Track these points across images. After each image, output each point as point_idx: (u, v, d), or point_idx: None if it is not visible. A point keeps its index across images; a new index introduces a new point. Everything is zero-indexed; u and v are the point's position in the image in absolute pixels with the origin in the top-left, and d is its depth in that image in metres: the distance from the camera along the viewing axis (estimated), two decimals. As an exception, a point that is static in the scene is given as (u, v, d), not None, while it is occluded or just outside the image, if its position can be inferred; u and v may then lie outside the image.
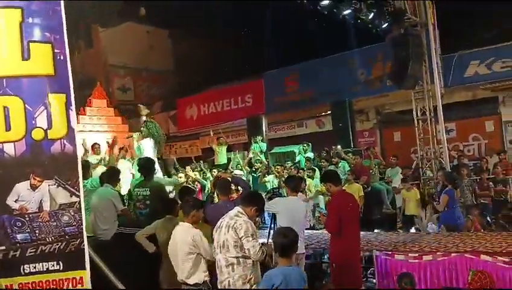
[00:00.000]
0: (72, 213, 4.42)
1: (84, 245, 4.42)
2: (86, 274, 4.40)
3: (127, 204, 7.51)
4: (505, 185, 10.82)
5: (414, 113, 12.50)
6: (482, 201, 10.44)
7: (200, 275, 4.76)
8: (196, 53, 18.91)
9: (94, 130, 15.06)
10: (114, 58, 22.55)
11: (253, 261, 4.50)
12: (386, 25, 10.93)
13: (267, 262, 4.73)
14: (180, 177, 10.68)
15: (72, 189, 4.42)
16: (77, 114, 15.19)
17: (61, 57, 4.40)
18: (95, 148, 11.09)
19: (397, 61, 11.42)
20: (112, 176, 6.78)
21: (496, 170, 11.15)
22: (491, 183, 10.80)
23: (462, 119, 14.51)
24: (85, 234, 4.48)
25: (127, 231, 6.31)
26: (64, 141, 4.39)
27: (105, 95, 16.29)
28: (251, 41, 17.78)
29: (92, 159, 9.96)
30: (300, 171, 10.94)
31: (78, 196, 4.43)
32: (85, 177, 6.99)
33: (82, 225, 4.43)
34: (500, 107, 14.07)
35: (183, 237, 4.76)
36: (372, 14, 10.33)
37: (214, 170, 11.57)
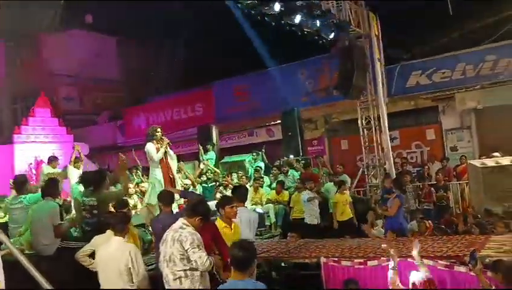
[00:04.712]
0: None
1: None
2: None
3: (72, 214, 7.24)
4: (446, 191, 11.35)
5: (359, 122, 12.89)
6: (425, 207, 10.88)
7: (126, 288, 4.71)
8: (145, 62, 18.65)
9: (38, 141, 14.51)
10: (59, 66, 21.78)
11: (201, 273, 4.45)
12: (331, 36, 11.20)
13: (216, 274, 4.70)
14: (129, 188, 10.42)
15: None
16: (20, 124, 14.76)
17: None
18: (51, 160, 10.58)
19: (342, 71, 11.75)
20: (51, 188, 6.39)
21: (438, 177, 11.67)
22: (433, 189, 11.28)
23: (405, 127, 15.05)
24: None
25: (71, 245, 6.10)
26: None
27: (49, 105, 15.74)
28: (201, 51, 17.75)
29: (48, 171, 9.57)
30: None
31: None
32: (21, 192, 6.71)
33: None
34: (440, 116, 14.72)
35: (118, 253, 4.69)
36: (317, 25, 10.55)
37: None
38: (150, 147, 7.46)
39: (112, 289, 4.68)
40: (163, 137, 7.63)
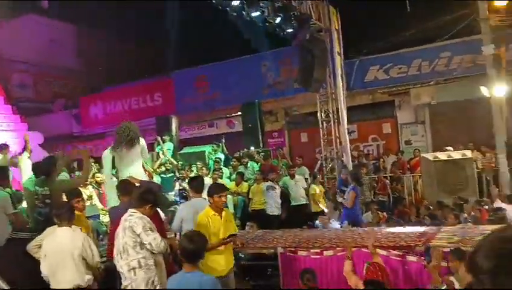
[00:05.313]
0: None
1: None
2: None
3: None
4: (401, 184, 11.68)
5: (319, 115, 13.05)
6: (380, 198, 11.16)
7: (83, 277, 4.63)
8: (102, 49, 18.14)
9: (-11, 129, 13.91)
10: (12, 52, 20.88)
11: (155, 263, 4.41)
12: (292, 29, 11.25)
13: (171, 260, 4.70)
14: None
15: None
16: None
17: None
18: (1, 148, 10.11)
19: (303, 65, 11.84)
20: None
21: (393, 169, 12.00)
22: (387, 181, 11.59)
23: (363, 121, 15.38)
24: None
25: (22, 236, 5.89)
26: None
27: (2, 92, 15.12)
28: (161, 40, 17.45)
29: None
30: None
31: None
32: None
33: None
34: (396, 110, 15.11)
35: (70, 242, 4.61)
36: (279, 18, 10.57)
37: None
38: (144, 142, 7.39)
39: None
40: None
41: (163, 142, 12.51)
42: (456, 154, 10.31)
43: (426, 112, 14.51)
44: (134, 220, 4.39)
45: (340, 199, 8.89)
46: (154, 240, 4.34)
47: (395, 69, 14.07)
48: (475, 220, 7.72)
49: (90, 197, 8.46)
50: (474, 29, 11.31)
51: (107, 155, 7.03)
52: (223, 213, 5.29)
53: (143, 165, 10.34)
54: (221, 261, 5.13)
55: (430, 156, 10.87)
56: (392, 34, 14.02)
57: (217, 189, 5.33)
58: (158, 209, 5.38)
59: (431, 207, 9.21)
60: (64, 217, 4.82)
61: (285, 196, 10.60)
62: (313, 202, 10.50)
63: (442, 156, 10.43)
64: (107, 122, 18.44)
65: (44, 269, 4.75)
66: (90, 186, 8.93)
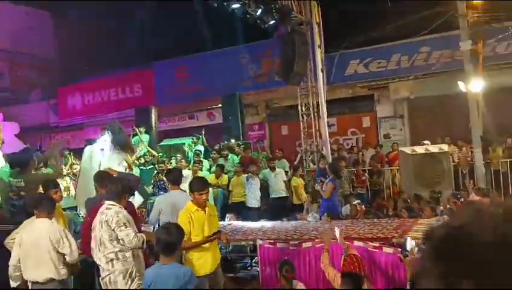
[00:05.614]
0: None
1: None
2: None
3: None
4: (380, 176, 11.83)
5: (299, 108, 13.09)
6: (358, 191, 11.28)
7: (62, 271, 4.58)
8: (81, 38, 17.80)
9: (-39, 119, 13.54)
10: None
11: (133, 254, 4.39)
12: (273, 21, 11.23)
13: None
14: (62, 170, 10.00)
15: None
16: None
17: None
18: None
19: (284, 57, 11.84)
20: None
21: (371, 163, 12.13)
22: (366, 174, 11.71)
23: (342, 115, 15.49)
24: None
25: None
26: None
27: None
28: (142, 30, 17.22)
29: None
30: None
31: None
32: None
33: None
34: (375, 104, 15.25)
35: (47, 234, 4.56)
36: (260, 10, 10.54)
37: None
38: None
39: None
40: None
41: (136, 134, 12.35)
42: (433, 148, 10.46)
43: (405, 106, 14.68)
44: (111, 214, 4.36)
45: (318, 188, 8.94)
46: (126, 236, 4.30)
47: (375, 63, 14.14)
48: (451, 212, 7.86)
49: (67, 189, 8.36)
50: (452, 25, 11.45)
51: (96, 151, 6.98)
52: (206, 208, 5.06)
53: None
54: (208, 259, 4.97)
55: (408, 149, 11.02)
56: (372, 29, 14.10)
57: (198, 186, 5.02)
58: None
59: (408, 200, 9.34)
60: (44, 208, 4.73)
61: (264, 188, 10.64)
62: (294, 194, 10.56)
63: (419, 149, 10.57)
64: (86, 113, 18.19)
65: (14, 260, 4.66)
66: (67, 178, 8.82)
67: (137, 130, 12.29)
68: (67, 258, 4.62)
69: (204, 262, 4.91)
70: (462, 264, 0.70)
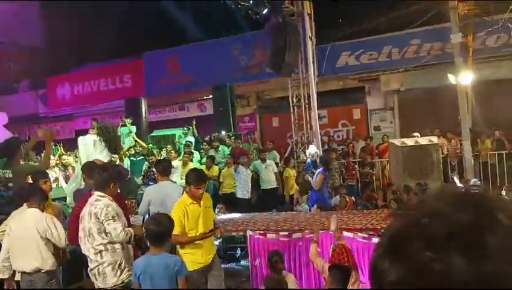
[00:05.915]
0: None
1: None
2: None
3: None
4: (371, 168, 11.89)
5: (290, 100, 13.08)
6: (348, 183, 11.33)
7: (50, 262, 4.57)
8: (71, 28, 17.61)
9: (-51, 110, 13.38)
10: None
11: (122, 245, 4.39)
12: (264, 12, 11.17)
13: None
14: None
15: None
16: None
17: None
18: None
19: (275, 48, 11.79)
20: None
21: (362, 154, 12.18)
22: (356, 166, 11.77)
23: (333, 106, 15.48)
24: None
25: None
26: None
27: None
28: (132, 20, 17.06)
29: None
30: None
31: None
32: None
33: None
34: (366, 96, 15.28)
35: (35, 223, 4.53)
36: (251, 0, 10.49)
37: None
38: None
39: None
40: None
41: (123, 125, 12.24)
42: (423, 140, 10.52)
43: (395, 99, 14.72)
44: (100, 206, 4.34)
45: (308, 178, 8.97)
46: (114, 230, 4.28)
47: (366, 55, 14.15)
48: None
49: (56, 179, 8.30)
50: (443, 17, 11.48)
51: (89, 142, 6.97)
52: (202, 201, 4.86)
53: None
54: (203, 252, 4.87)
55: (397, 141, 11.06)
56: (364, 21, 14.08)
57: (197, 181, 4.78)
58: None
59: (398, 192, 9.40)
60: (36, 199, 4.69)
61: (255, 180, 10.65)
62: (287, 185, 10.59)
63: (409, 141, 10.62)
64: (75, 104, 18.04)
65: (5, 251, 4.62)
66: (56, 168, 8.76)
67: (125, 120, 12.19)
68: (57, 245, 4.61)
69: (200, 256, 4.82)
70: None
